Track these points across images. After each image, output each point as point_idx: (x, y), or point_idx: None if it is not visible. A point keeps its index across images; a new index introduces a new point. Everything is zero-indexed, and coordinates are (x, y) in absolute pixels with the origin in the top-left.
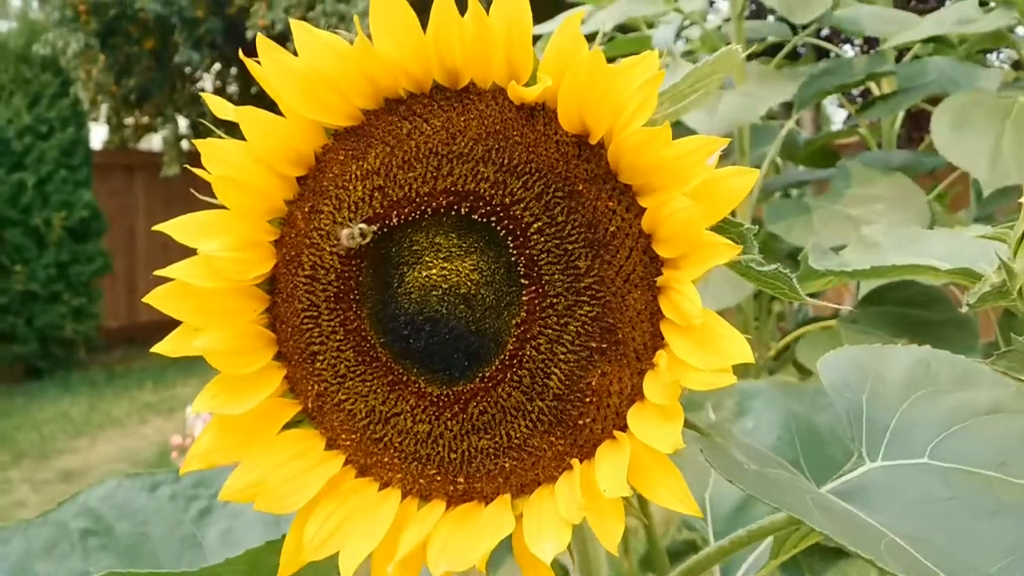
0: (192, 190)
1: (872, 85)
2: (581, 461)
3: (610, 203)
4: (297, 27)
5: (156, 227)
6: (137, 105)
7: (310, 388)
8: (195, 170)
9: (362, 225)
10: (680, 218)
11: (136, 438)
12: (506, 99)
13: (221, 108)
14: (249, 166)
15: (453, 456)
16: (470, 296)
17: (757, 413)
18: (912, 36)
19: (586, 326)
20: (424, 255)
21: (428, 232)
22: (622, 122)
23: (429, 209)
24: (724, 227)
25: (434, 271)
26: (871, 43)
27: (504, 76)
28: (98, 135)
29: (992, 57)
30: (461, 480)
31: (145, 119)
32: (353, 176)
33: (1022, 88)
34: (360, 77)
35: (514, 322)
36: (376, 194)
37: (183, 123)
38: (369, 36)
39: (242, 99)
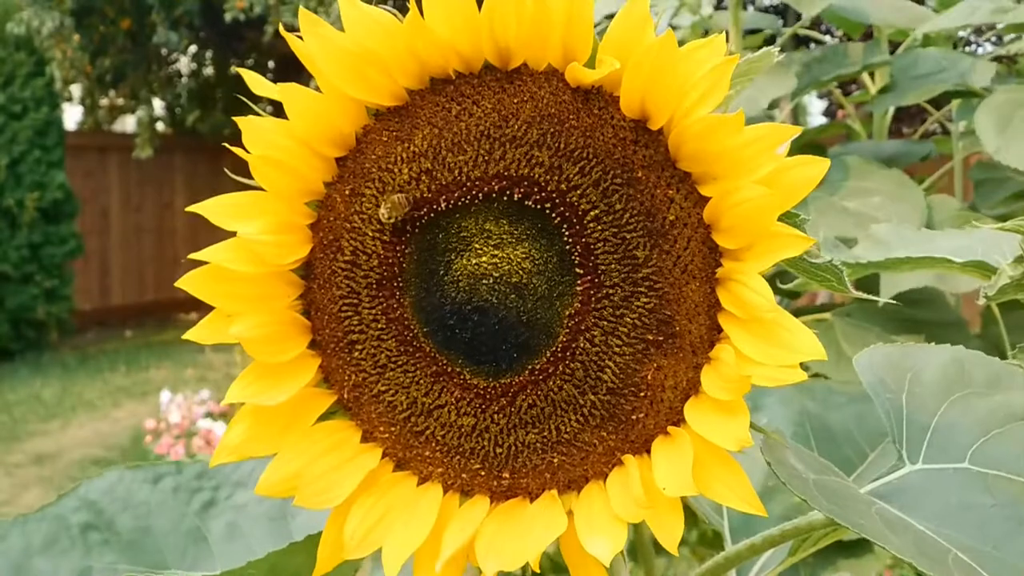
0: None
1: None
2: (634, 457)
3: (669, 191)
4: (344, 2)
5: (190, 208)
6: (112, 86)
7: (347, 378)
8: (235, 149)
9: (397, 195)
10: (748, 208)
11: (109, 422)
12: (560, 81)
13: (260, 85)
14: (289, 146)
15: (499, 450)
16: (521, 285)
17: (771, 409)
18: (943, 24)
19: (643, 318)
20: (473, 242)
21: (478, 218)
22: (686, 108)
23: (480, 194)
24: (781, 217)
25: (484, 259)
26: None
27: (560, 58)
28: (71, 116)
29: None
30: (506, 475)
31: (120, 100)
32: (398, 158)
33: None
34: (408, 55)
35: (567, 313)
36: (423, 177)
37: (158, 105)
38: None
39: (219, 82)
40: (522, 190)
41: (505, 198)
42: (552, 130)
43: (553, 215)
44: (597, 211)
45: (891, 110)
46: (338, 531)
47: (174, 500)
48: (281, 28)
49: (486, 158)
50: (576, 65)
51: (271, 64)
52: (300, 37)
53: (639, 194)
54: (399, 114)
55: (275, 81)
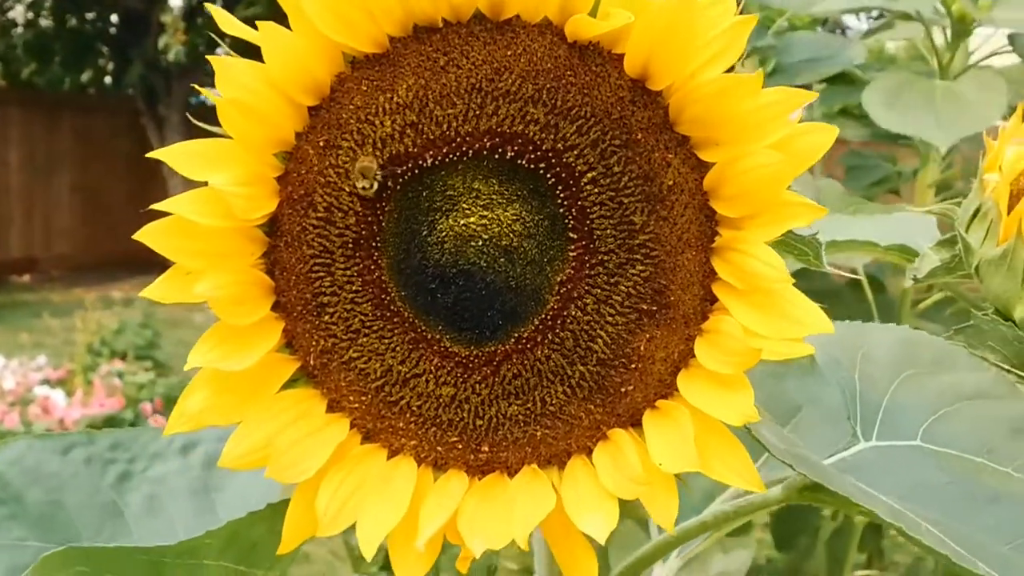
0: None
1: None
2: (622, 430)
3: (667, 155)
4: None
5: (151, 153)
6: None
7: (314, 343)
8: (204, 91)
9: (365, 162)
10: (760, 175)
11: None
12: (555, 35)
13: (230, 24)
14: (262, 90)
15: (479, 422)
16: (511, 249)
17: None
18: (834, 6)
19: (638, 287)
20: (461, 201)
21: (466, 176)
22: (695, 68)
23: (470, 151)
24: None
25: (472, 219)
26: None
27: (557, 9)
28: None
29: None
30: (485, 449)
31: None
32: (380, 109)
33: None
34: None
35: (558, 279)
36: (408, 131)
37: None
38: None
39: (57, 33)
40: (515, 148)
41: (496, 156)
42: (548, 86)
43: (547, 176)
44: (594, 173)
45: None
46: (306, 506)
47: (87, 472)
48: None
49: (477, 112)
50: (581, 17)
51: (114, 18)
52: None
53: (637, 157)
54: (379, 62)
55: (118, 36)
